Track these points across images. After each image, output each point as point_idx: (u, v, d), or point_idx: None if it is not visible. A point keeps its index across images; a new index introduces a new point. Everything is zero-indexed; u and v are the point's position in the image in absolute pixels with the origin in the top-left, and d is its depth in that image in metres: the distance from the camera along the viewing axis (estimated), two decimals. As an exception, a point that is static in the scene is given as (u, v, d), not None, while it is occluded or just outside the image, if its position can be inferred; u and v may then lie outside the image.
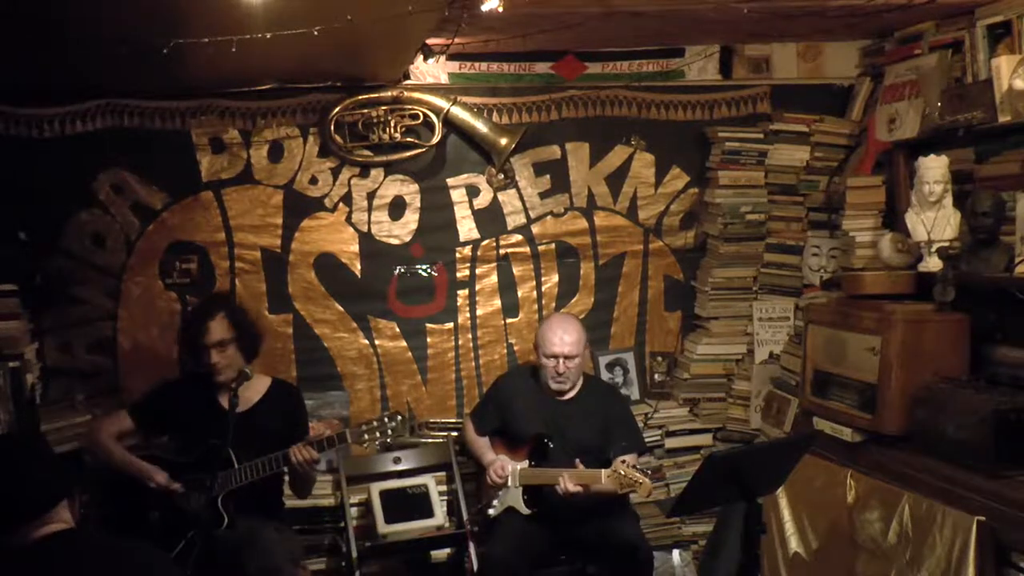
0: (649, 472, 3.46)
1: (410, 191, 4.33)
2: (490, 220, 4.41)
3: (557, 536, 3.69)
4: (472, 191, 4.39)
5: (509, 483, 3.74)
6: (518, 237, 4.45)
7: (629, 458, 3.60)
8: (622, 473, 3.40)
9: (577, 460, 3.57)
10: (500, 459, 3.78)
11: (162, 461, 3.50)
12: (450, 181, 4.37)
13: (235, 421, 3.26)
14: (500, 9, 2.98)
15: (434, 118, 4.23)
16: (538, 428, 3.75)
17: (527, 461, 3.74)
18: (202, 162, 4.17)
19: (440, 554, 4.15)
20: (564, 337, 3.73)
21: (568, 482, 3.49)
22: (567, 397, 3.81)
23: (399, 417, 3.45)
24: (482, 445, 3.90)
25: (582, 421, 3.75)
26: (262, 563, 3.25)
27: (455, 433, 4.23)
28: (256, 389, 3.65)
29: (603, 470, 3.48)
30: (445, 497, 4.21)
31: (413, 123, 4.23)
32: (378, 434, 3.42)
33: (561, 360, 3.72)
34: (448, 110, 4.23)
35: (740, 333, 4.51)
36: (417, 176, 4.33)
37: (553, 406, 3.78)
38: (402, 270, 4.37)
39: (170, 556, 2.76)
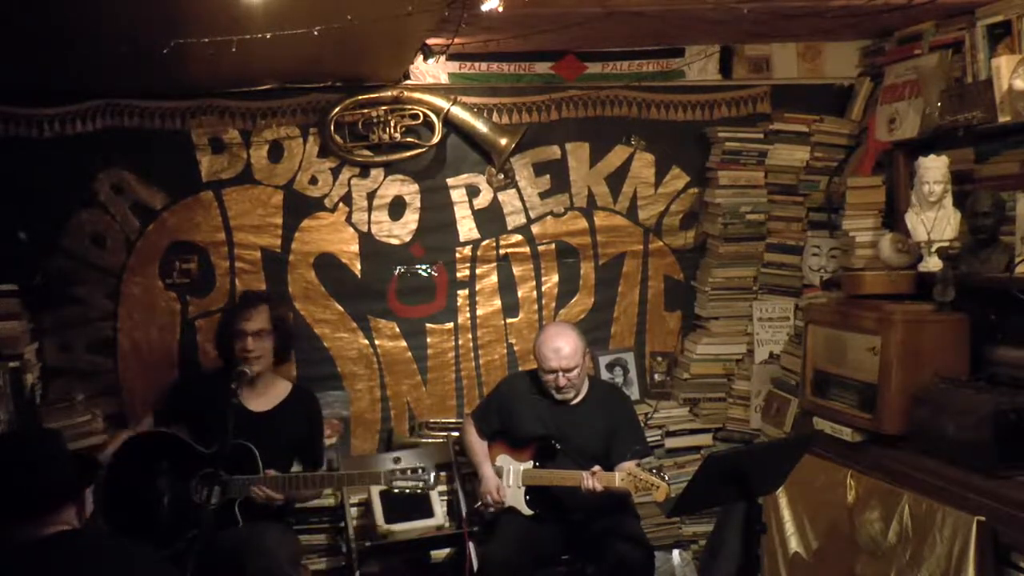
0: (665, 475, 3.44)
1: (410, 191, 4.33)
2: (490, 220, 4.41)
3: (557, 536, 3.68)
4: (472, 191, 4.39)
5: (511, 483, 3.74)
6: (518, 237, 4.45)
7: (634, 462, 3.60)
8: (637, 476, 3.39)
9: (596, 468, 3.56)
10: (498, 482, 3.75)
11: (183, 444, 3.50)
12: (450, 181, 4.37)
13: (234, 419, 3.26)
14: (500, 9, 2.97)
15: (434, 118, 4.22)
16: (542, 431, 3.74)
17: (531, 462, 3.73)
18: (202, 162, 4.16)
19: (440, 554, 4.15)
20: (560, 350, 3.66)
21: (592, 480, 3.46)
22: (573, 402, 3.79)
23: (430, 476, 3.52)
24: (480, 451, 3.87)
25: (587, 425, 3.73)
26: (263, 564, 3.25)
27: (455, 433, 4.23)
28: (277, 392, 3.72)
29: (617, 473, 3.48)
30: (445, 497, 4.21)
31: (413, 123, 4.23)
32: (408, 484, 3.48)
33: (560, 374, 3.67)
34: (448, 110, 4.23)
35: (740, 333, 4.51)
36: (417, 176, 4.33)
37: (557, 410, 3.77)
38: (402, 270, 4.37)
39: (172, 566, 2.76)
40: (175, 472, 3.42)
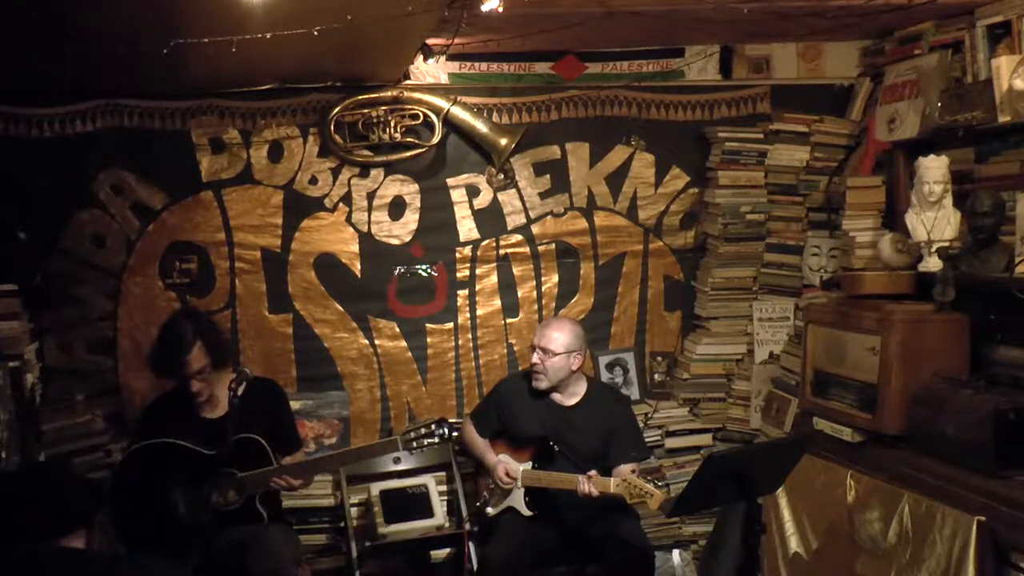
0: (664, 485, 3.43)
1: (410, 191, 4.33)
2: (490, 220, 4.41)
3: (557, 536, 3.68)
4: (472, 191, 4.39)
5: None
6: (518, 237, 4.45)
7: (631, 466, 3.60)
8: (632, 483, 3.39)
9: (593, 472, 3.55)
10: (503, 461, 3.76)
11: (185, 450, 3.39)
12: (450, 181, 4.37)
13: (234, 423, 3.25)
14: (500, 9, 2.98)
15: (434, 118, 4.23)
16: (540, 432, 3.74)
17: (530, 463, 3.73)
18: (202, 162, 4.17)
19: (440, 554, 4.15)
20: (546, 328, 3.74)
21: (588, 485, 3.46)
22: (569, 403, 3.79)
23: (446, 428, 3.46)
24: (482, 444, 3.89)
25: (585, 427, 3.73)
26: (267, 564, 3.24)
27: (455, 433, 4.22)
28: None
29: (612, 479, 3.47)
30: (445, 497, 4.21)
31: (413, 123, 4.23)
32: (426, 441, 3.44)
33: (537, 351, 3.71)
34: (448, 110, 4.23)
35: (740, 333, 4.51)
36: (417, 176, 4.33)
37: (556, 411, 3.77)
38: (402, 270, 4.37)
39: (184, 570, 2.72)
40: (185, 480, 3.32)
